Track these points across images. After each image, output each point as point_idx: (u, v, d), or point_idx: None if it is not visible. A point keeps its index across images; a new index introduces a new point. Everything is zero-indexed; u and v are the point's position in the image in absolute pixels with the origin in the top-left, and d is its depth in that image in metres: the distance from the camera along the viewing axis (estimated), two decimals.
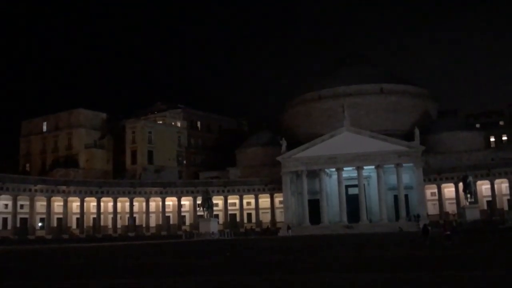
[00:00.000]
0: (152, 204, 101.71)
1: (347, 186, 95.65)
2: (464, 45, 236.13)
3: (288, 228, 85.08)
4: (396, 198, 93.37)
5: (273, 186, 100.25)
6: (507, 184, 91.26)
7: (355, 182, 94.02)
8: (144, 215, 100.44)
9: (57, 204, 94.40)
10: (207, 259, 30.76)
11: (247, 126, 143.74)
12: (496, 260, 23.08)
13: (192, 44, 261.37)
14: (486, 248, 32.41)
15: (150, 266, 26.32)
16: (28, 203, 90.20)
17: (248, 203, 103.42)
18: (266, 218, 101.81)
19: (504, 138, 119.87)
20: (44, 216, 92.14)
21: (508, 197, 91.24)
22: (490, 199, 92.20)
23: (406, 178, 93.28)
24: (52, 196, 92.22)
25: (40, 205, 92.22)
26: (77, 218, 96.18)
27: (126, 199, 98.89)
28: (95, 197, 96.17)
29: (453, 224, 79.82)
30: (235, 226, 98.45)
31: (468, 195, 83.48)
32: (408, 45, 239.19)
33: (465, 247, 34.14)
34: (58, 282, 19.06)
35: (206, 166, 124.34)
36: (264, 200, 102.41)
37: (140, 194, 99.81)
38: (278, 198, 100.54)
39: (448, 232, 39.36)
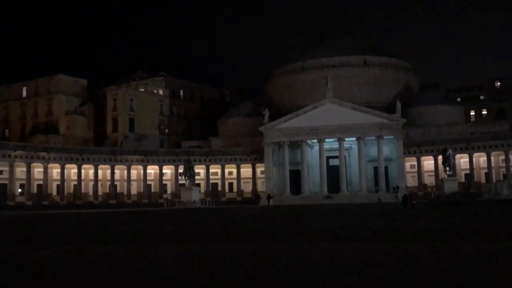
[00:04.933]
0: (134, 172, 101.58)
1: (328, 157, 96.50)
2: (446, 19, 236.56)
3: (269, 197, 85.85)
4: (376, 169, 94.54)
5: (255, 156, 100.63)
6: (485, 158, 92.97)
7: (336, 154, 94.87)
8: (125, 183, 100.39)
9: (37, 170, 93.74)
10: (189, 227, 30.97)
11: (230, 96, 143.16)
12: (464, 230, 23.66)
13: (176, 12, 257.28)
14: (456, 218, 33.17)
15: (132, 234, 26.41)
16: (7, 169, 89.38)
17: (230, 173, 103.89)
18: (247, 187, 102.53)
19: (484, 112, 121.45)
20: (24, 182, 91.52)
21: (486, 171, 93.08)
22: (468, 172, 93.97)
23: (386, 150, 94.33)
24: (32, 163, 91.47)
25: (20, 171, 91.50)
26: (58, 185, 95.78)
27: (107, 166, 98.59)
28: (76, 164, 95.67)
29: (432, 196, 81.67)
30: (216, 195, 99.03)
31: (447, 168, 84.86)
32: (391, 18, 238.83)
33: (438, 218, 34.93)
34: (36, 248, 19.07)
35: (188, 135, 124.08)
36: (246, 170, 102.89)
37: (121, 162, 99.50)
38: (259, 168, 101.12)
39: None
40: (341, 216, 39.10)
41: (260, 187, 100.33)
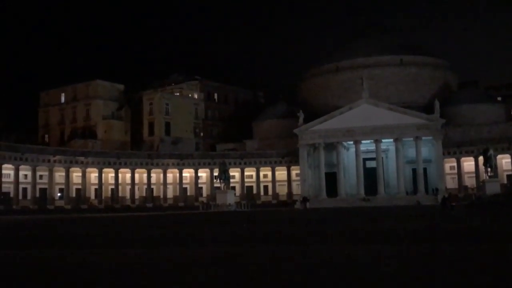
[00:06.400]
0: (170, 176, 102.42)
1: (364, 159, 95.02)
2: (485, 15, 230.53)
3: (306, 200, 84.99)
4: (414, 171, 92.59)
5: (290, 158, 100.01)
6: None
7: (373, 155, 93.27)
8: (161, 186, 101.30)
9: (76, 174, 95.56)
10: (225, 230, 30.72)
11: (264, 97, 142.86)
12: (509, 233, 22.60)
13: (210, 15, 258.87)
14: (502, 221, 31.88)
15: (169, 236, 26.33)
16: (47, 173, 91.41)
17: (265, 176, 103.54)
18: (282, 190, 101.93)
19: None
20: (63, 186, 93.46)
21: None
22: (510, 173, 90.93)
23: (425, 151, 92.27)
24: (70, 167, 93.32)
25: (59, 175, 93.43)
26: (96, 189, 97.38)
27: (144, 170, 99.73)
28: (113, 168, 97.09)
29: (472, 198, 79.39)
30: (251, 198, 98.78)
31: (488, 169, 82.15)
32: (427, 15, 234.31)
33: (481, 220, 33.68)
34: (68, 250, 19.08)
35: (222, 138, 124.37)
36: (281, 173, 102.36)
37: (157, 166, 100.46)
38: (294, 171, 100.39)
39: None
40: (381, 219, 38.20)
41: (296, 189, 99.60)
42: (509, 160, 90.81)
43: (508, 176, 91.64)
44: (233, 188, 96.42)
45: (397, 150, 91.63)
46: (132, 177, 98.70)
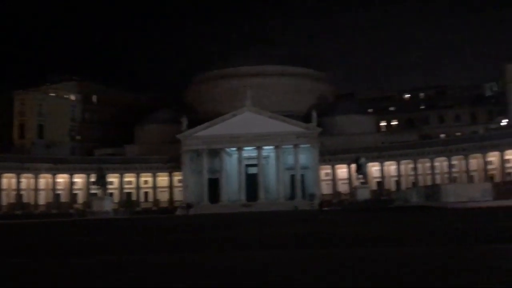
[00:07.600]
0: (42, 181, 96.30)
1: (246, 165, 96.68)
2: (363, 34, 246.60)
3: (190, 206, 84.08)
4: (293, 177, 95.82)
5: (173, 164, 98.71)
6: (395, 166, 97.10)
7: (255, 162, 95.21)
8: (32, 193, 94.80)
9: None
10: (102, 238, 29.24)
11: (149, 102, 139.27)
12: (378, 236, 23.97)
13: (96, 15, 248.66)
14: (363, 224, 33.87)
15: (44, 247, 24.43)
16: None
17: (146, 182, 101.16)
18: (164, 197, 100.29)
19: (394, 122, 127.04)
20: None
21: (396, 179, 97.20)
22: (380, 180, 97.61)
23: (303, 158, 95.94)
24: None
25: None
26: None
27: (13, 175, 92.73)
28: None
29: (345, 203, 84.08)
30: (131, 205, 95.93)
31: (360, 176, 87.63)
32: (311, 29, 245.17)
33: (351, 224, 35.49)
34: None
35: (103, 143, 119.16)
36: (163, 179, 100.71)
37: (28, 170, 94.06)
38: (177, 177, 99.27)
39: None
40: (262, 224, 38.74)
41: (178, 196, 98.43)
42: (379, 168, 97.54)
43: (377, 182, 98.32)
44: (111, 194, 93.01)
45: (277, 157, 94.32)
46: None
